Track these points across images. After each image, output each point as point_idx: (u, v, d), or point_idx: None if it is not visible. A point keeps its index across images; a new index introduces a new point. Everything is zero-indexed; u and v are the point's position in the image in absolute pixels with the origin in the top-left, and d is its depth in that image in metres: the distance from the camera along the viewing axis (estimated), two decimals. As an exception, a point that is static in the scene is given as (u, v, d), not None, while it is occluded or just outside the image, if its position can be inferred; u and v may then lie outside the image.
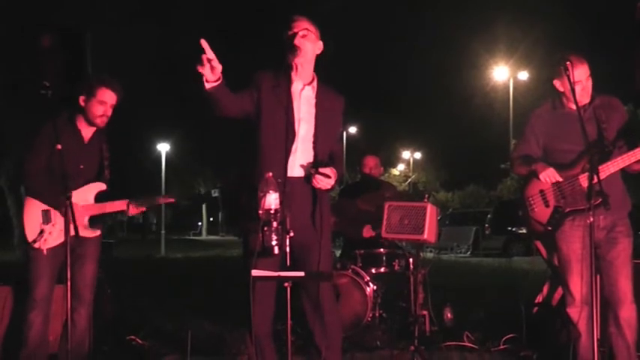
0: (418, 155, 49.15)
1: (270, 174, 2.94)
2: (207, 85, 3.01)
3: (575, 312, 3.73)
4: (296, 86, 3.32)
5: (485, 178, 38.89)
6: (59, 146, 3.48)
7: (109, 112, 3.97)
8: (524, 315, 4.67)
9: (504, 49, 32.00)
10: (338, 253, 6.22)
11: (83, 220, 3.90)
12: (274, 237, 2.90)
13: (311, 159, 3.30)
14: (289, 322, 2.90)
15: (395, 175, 45.99)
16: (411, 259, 5.19)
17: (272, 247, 2.90)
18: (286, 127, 3.23)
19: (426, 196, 4.63)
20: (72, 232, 3.34)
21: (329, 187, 3.28)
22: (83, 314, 3.96)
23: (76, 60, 5.49)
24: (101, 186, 4.03)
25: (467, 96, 37.25)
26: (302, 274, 2.91)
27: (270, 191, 2.89)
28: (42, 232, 3.81)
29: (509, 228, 19.70)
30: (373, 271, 5.29)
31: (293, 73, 3.29)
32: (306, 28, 3.29)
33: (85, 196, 3.95)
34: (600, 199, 3.38)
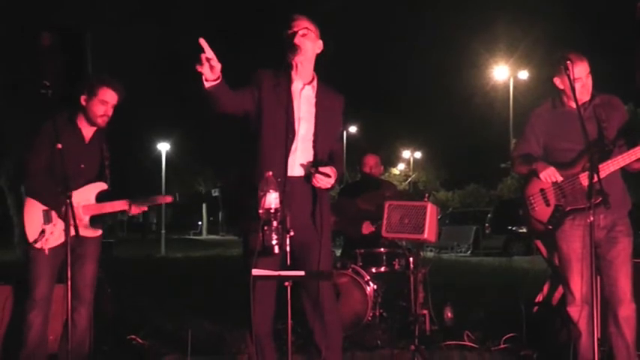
0: (418, 154, 49.16)
1: (270, 173, 2.94)
2: (207, 84, 3.01)
3: (576, 311, 3.73)
4: (296, 85, 3.32)
5: (486, 178, 38.89)
6: (59, 145, 3.48)
7: (110, 112, 3.97)
8: (524, 314, 4.67)
9: (504, 49, 32.02)
10: (338, 252, 6.22)
11: (84, 220, 3.90)
12: (274, 236, 2.90)
13: (311, 158, 3.30)
14: (289, 321, 2.90)
15: (395, 175, 46.00)
16: (411, 259, 5.19)
17: (272, 246, 2.90)
18: (286, 127, 3.23)
19: (426, 195, 4.62)
20: (72, 232, 3.35)
21: (329, 186, 3.28)
22: (83, 314, 3.95)
23: (76, 60, 5.49)
24: (102, 186, 4.03)
25: (467, 95, 37.26)
26: (302, 273, 2.91)
27: (271, 190, 2.89)
28: (43, 232, 3.81)
29: (510, 227, 19.68)
30: (373, 270, 5.29)
31: (293, 72, 3.29)
32: (306, 27, 3.29)
33: (86, 196, 3.95)
34: (600, 198, 3.38)
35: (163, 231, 29.99)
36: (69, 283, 3.32)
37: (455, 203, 40.30)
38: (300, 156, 3.28)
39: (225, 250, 24.13)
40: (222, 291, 7.67)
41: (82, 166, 3.95)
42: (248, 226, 3.18)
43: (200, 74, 2.99)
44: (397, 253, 5.44)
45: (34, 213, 3.85)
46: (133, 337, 4.94)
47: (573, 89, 3.51)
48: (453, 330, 5.11)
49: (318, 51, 3.37)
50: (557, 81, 3.76)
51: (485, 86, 33.50)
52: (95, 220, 3.99)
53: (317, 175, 3.22)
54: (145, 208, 4.08)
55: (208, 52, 2.94)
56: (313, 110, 3.35)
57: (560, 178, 3.70)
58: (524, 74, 30.32)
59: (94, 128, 4.01)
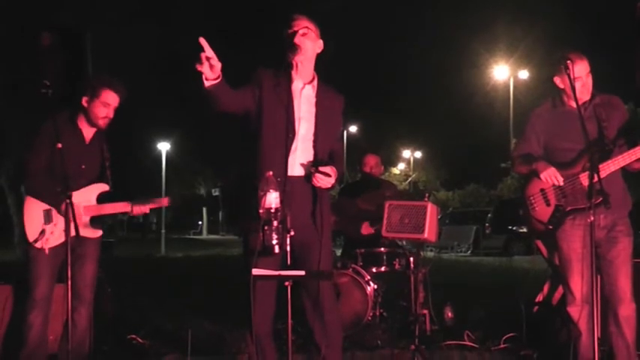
0: (418, 154, 49.19)
1: (271, 173, 2.94)
2: (207, 83, 3.01)
3: (576, 311, 3.73)
4: (296, 85, 3.32)
5: (486, 177, 38.90)
6: (60, 145, 3.48)
7: (112, 114, 3.97)
8: (524, 314, 4.67)
9: (504, 48, 32.04)
10: (338, 252, 6.22)
11: (85, 220, 3.90)
12: (275, 236, 2.90)
13: (311, 158, 3.30)
14: (290, 321, 2.90)
15: (395, 174, 46.03)
16: (411, 258, 5.19)
17: (272, 246, 2.90)
18: (286, 126, 3.23)
19: (427, 195, 4.62)
20: (73, 233, 3.34)
21: (329, 185, 3.28)
22: (83, 314, 3.95)
23: (76, 60, 5.48)
24: (104, 187, 4.03)
25: (467, 95, 37.29)
26: (302, 273, 2.91)
27: (271, 190, 2.89)
28: (43, 231, 3.81)
29: (510, 227, 19.69)
30: (374, 270, 5.29)
31: (293, 72, 3.29)
32: (307, 27, 3.29)
33: (87, 197, 3.95)
34: (601, 198, 3.38)
35: (163, 230, 30.01)
36: (69, 282, 3.32)
37: (455, 203, 40.30)
38: (300, 155, 3.28)
39: (226, 249, 24.12)
40: (222, 291, 7.65)
41: (83, 166, 3.95)
42: (248, 225, 3.18)
43: (200, 73, 2.99)
44: (397, 252, 5.44)
45: (34, 212, 3.85)
46: (133, 336, 4.93)
47: (573, 88, 3.51)
48: (453, 330, 5.11)
49: (319, 50, 3.37)
50: (557, 80, 3.76)
51: (485, 86, 33.53)
52: (95, 221, 3.99)
53: (317, 175, 3.22)
54: (147, 211, 4.08)
55: (208, 51, 2.93)
56: (313, 110, 3.35)
57: (560, 181, 3.70)
58: (524, 74, 30.34)
59: (95, 129, 4.01)
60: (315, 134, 3.33)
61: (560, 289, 4.39)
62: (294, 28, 3.27)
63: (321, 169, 3.22)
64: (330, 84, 3.45)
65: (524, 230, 15.76)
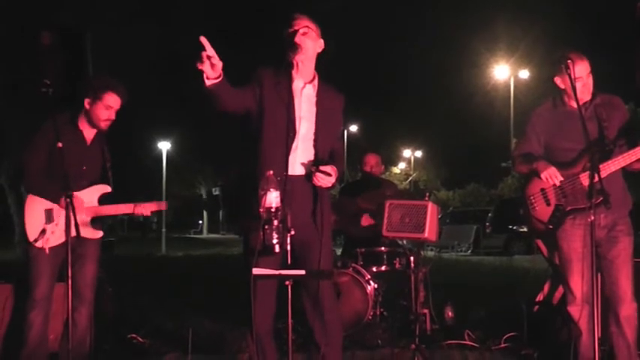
0: (419, 154, 49.20)
1: (271, 172, 2.94)
2: (208, 82, 3.00)
3: (576, 310, 3.73)
4: (297, 84, 3.32)
5: (486, 177, 38.94)
6: (60, 144, 3.48)
7: (114, 116, 3.98)
8: (525, 313, 4.67)
9: (505, 48, 32.07)
10: (339, 251, 6.22)
11: (85, 220, 3.90)
12: (275, 235, 2.90)
13: (311, 157, 3.30)
14: (290, 320, 2.90)
15: (396, 174, 46.07)
16: (411, 258, 5.18)
17: (273, 245, 2.90)
18: (287, 125, 3.23)
19: (427, 194, 4.63)
20: (73, 233, 3.34)
21: (329, 185, 3.28)
22: (84, 313, 3.96)
23: (76, 60, 5.48)
24: (105, 188, 4.03)
25: (467, 95, 37.32)
26: (303, 272, 2.91)
27: (271, 189, 2.89)
28: (44, 231, 3.81)
29: (510, 226, 19.68)
30: (374, 269, 5.29)
31: (294, 71, 3.29)
32: (307, 26, 3.29)
33: (89, 198, 3.95)
34: (601, 198, 3.38)
35: (164, 230, 30.00)
36: (69, 282, 3.32)
37: (455, 202, 40.34)
38: (300, 155, 3.28)
39: (226, 248, 24.14)
40: (222, 290, 7.66)
41: (84, 167, 3.95)
42: (249, 224, 3.18)
43: (201, 72, 2.99)
44: (398, 252, 5.44)
45: (35, 212, 3.85)
46: (134, 335, 4.94)
47: (574, 89, 3.51)
48: (454, 329, 5.11)
49: (319, 50, 3.36)
50: (558, 80, 3.76)
51: (485, 85, 33.55)
52: (96, 222, 3.99)
53: (317, 174, 3.22)
54: (148, 213, 4.08)
55: (209, 50, 2.93)
56: (314, 109, 3.35)
57: (559, 181, 3.70)
58: (524, 73, 30.34)
59: (95, 130, 4.01)
60: (316, 133, 3.33)
61: (561, 289, 4.39)
62: (295, 27, 3.27)
63: (322, 168, 3.22)
64: (330, 83, 3.45)
65: (525, 230, 15.71)
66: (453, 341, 4.85)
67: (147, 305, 6.55)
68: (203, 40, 2.90)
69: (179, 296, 7.64)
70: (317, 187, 3.28)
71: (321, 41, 3.37)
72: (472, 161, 42.86)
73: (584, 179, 3.61)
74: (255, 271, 2.87)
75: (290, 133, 3.23)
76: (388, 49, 46.05)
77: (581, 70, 3.64)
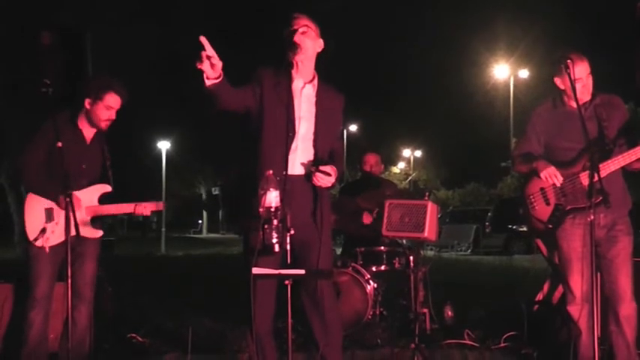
0: (419, 153, 49.21)
1: (271, 172, 2.94)
2: (208, 82, 3.01)
3: (576, 310, 3.73)
4: (297, 84, 3.32)
5: (486, 176, 38.92)
6: (60, 144, 3.49)
7: (114, 117, 3.99)
8: (524, 313, 4.67)
9: (505, 48, 32.06)
10: (339, 250, 6.22)
11: (85, 220, 3.90)
12: (275, 235, 2.90)
13: (311, 157, 3.31)
14: (290, 319, 2.90)
15: (395, 173, 46.07)
16: (411, 257, 5.19)
17: (272, 244, 2.90)
18: (287, 125, 3.23)
19: (427, 194, 4.63)
20: (73, 232, 3.35)
21: (329, 184, 3.28)
22: (84, 312, 3.96)
23: (76, 60, 5.49)
24: (106, 187, 4.03)
25: (467, 94, 37.31)
26: (302, 271, 2.91)
27: (271, 189, 2.89)
28: (44, 230, 3.81)
29: (510, 226, 19.70)
30: (374, 268, 5.29)
31: (293, 71, 3.29)
32: (306, 25, 3.29)
33: (89, 197, 3.95)
34: (601, 198, 3.38)
35: (164, 229, 30.00)
36: (69, 281, 3.32)
37: (455, 202, 40.33)
38: (300, 155, 3.29)
39: (226, 248, 24.15)
40: (222, 289, 7.67)
41: (84, 166, 3.96)
42: (248, 224, 3.18)
43: (201, 72, 2.99)
44: (397, 251, 5.44)
45: (35, 211, 3.85)
46: (134, 335, 4.94)
47: (574, 89, 3.51)
48: (454, 329, 5.11)
49: (319, 49, 3.36)
50: (557, 81, 3.76)
51: (485, 85, 33.56)
52: (96, 221, 3.99)
53: (317, 174, 3.22)
54: (149, 213, 4.08)
55: (209, 50, 2.93)
56: (313, 109, 3.35)
57: (560, 181, 3.70)
58: (524, 73, 30.35)
59: (95, 129, 4.02)
60: (315, 133, 3.33)
61: (561, 288, 4.39)
62: (294, 26, 3.27)
63: (322, 168, 3.22)
64: (330, 83, 3.45)
65: (524, 229, 15.76)
66: (453, 341, 4.85)
67: (147, 305, 6.55)
68: (203, 39, 2.90)
69: (179, 296, 7.64)
70: (317, 187, 3.28)
71: (321, 41, 3.37)
72: (472, 161, 42.86)
73: (584, 179, 3.61)
74: (255, 270, 2.87)
75: (290, 133, 3.24)
76: (388, 49, 46.06)
77: (581, 70, 3.64)
